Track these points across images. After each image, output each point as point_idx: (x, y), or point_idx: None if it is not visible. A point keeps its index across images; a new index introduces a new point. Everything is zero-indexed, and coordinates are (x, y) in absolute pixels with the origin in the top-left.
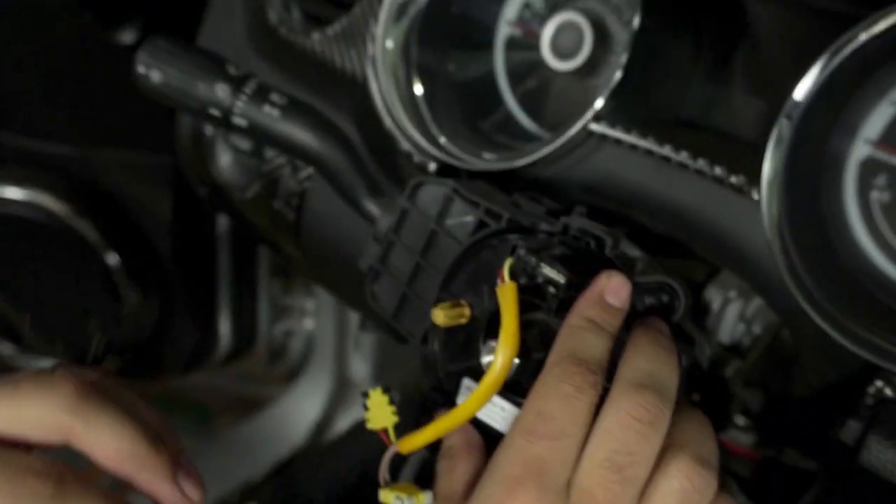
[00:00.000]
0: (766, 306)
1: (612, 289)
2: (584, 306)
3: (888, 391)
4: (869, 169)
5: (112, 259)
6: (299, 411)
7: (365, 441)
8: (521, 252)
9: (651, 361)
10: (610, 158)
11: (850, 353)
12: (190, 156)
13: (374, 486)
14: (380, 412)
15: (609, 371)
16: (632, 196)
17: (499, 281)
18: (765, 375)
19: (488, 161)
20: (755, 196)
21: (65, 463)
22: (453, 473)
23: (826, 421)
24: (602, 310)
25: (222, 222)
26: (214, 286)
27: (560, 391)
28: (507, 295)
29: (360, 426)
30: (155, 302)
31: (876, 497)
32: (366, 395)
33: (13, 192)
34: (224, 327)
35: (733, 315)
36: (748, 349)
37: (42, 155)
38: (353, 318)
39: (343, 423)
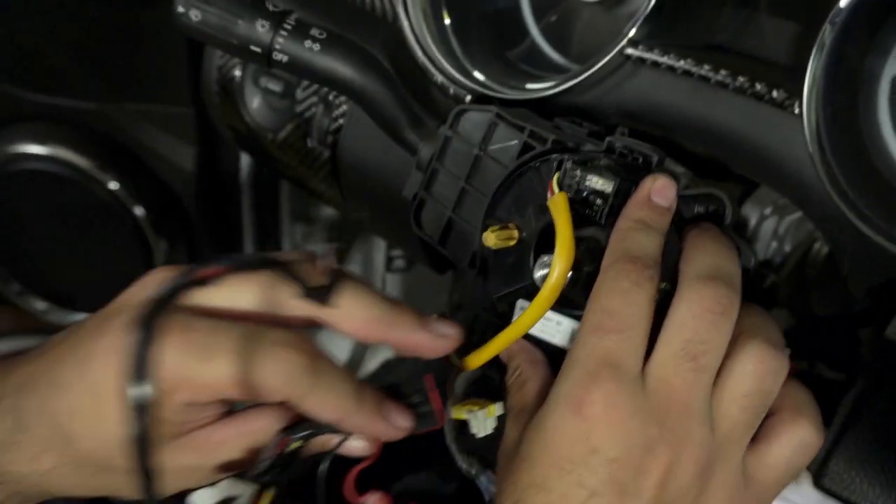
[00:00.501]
0: (799, 223)
1: (659, 189)
2: (633, 208)
3: None
4: None
5: (139, 211)
6: (328, 354)
7: (412, 377)
8: (568, 165)
9: (714, 255)
10: (647, 83)
11: (890, 255)
12: (218, 102)
13: None
14: None
15: (662, 273)
16: (670, 119)
17: (548, 194)
18: (795, 292)
19: (524, 90)
20: (796, 110)
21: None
22: (524, 388)
23: (856, 333)
24: (651, 210)
25: (244, 171)
26: (239, 234)
27: (619, 287)
28: (558, 204)
29: (389, 364)
30: (183, 251)
31: None
32: None
33: (36, 149)
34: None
35: (768, 232)
36: (780, 266)
37: (63, 110)
38: (379, 259)
39: (373, 364)
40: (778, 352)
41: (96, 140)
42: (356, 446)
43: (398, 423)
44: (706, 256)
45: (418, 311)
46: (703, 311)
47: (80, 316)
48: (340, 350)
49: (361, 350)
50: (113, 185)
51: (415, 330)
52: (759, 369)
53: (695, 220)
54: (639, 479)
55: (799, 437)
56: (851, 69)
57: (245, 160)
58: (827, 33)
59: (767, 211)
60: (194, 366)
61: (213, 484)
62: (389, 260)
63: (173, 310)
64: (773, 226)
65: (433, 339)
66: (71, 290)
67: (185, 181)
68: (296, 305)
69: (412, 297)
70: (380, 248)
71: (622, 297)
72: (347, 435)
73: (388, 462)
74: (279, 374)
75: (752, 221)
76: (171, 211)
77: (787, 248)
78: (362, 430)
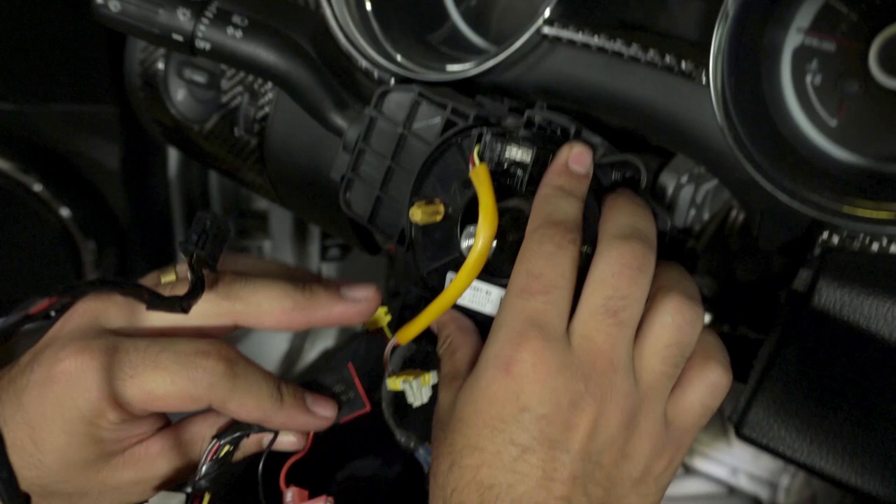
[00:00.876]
0: (715, 191)
1: (576, 157)
2: (552, 176)
3: (834, 239)
4: (802, 55)
5: (64, 212)
6: (267, 348)
7: (335, 366)
8: (488, 138)
9: (630, 215)
10: (563, 60)
11: (796, 214)
12: (142, 96)
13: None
14: (374, 314)
15: (583, 237)
16: (587, 93)
17: (470, 166)
18: (715, 258)
19: (446, 72)
20: (703, 80)
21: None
22: (455, 356)
23: (772, 294)
24: (569, 177)
25: (172, 168)
26: (170, 231)
27: (543, 251)
28: (479, 175)
29: (328, 353)
30: (112, 252)
31: (829, 335)
32: None
33: None
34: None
35: (686, 200)
36: (700, 233)
37: None
38: (314, 250)
39: (312, 353)
40: (694, 303)
41: (16, 142)
42: (288, 441)
43: (321, 413)
44: (622, 217)
45: (329, 283)
46: (621, 268)
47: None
48: (279, 342)
49: (299, 341)
50: (37, 188)
51: (333, 304)
52: (678, 320)
53: (612, 186)
54: (567, 434)
55: (710, 380)
56: (754, 40)
57: (173, 157)
58: (730, 4)
59: (684, 179)
60: (119, 384)
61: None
62: (324, 249)
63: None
64: (690, 194)
65: (354, 306)
66: None
67: (112, 180)
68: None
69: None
70: (314, 237)
71: (546, 259)
72: (276, 432)
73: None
74: (200, 382)
75: (670, 190)
76: (98, 211)
77: (706, 216)
78: (287, 426)
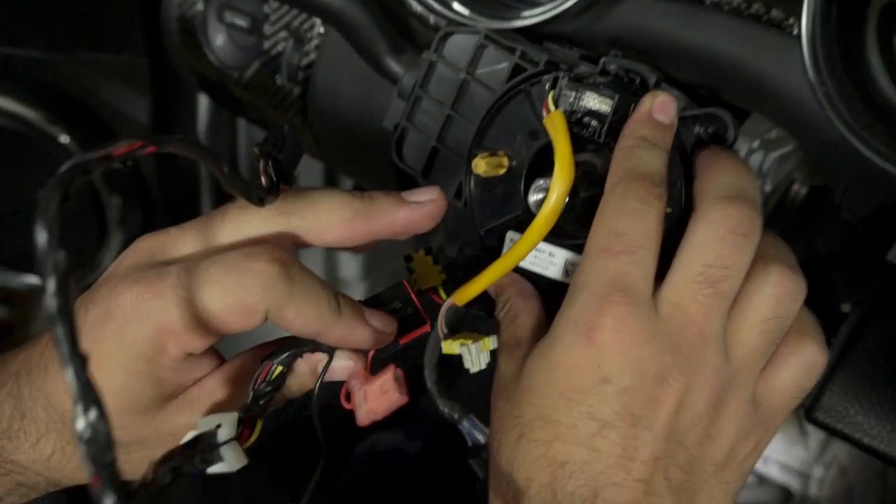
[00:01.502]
0: (781, 160)
1: (660, 106)
2: (635, 126)
3: None
4: (890, 13)
5: None
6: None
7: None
8: (564, 83)
9: (735, 174)
10: (637, 8)
11: (889, 179)
12: (178, 42)
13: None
14: (426, 273)
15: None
16: (659, 46)
17: (543, 113)
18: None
19: (509, 19)
20: (794, 31)
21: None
22: (516, 321)
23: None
24: (653, 127)
25: (202, 123)
26: (196, 188)
27: (627, 206)
28: (555, 122)
29: None
30: (137, 209)
31: None
32: (409, 258)
33: None
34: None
35: (753, 167)
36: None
37: (8, 60)
38: None
39: None
40: (796, 274)
41: (45, 91)
42: (343, 366)
43: (382, 327)
44: (726, 175)
45: (388, 193)
46: (725, 232)
47: (33, 278)
48: None
49: None
50: (63, 139)
51: (396, 209)
52: (779, 292)
53: (697, 143)
54: (651, 410)
55: (805, 357)
56: None
57: (202, 113)
58: None
59: (755, 145)
60: (175, 311)
61: None
62: None
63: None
64: (758, 161)
65: (419, 209)
66: (22, 251)
67: (138, 133)
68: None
69: (379, 251)
70: None
71: (630, 216)
72: (331, 355)
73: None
74: (253, 287)
75: (741, 155)
76: (125, 167)
77: (768, 187)
78: (345, 340)
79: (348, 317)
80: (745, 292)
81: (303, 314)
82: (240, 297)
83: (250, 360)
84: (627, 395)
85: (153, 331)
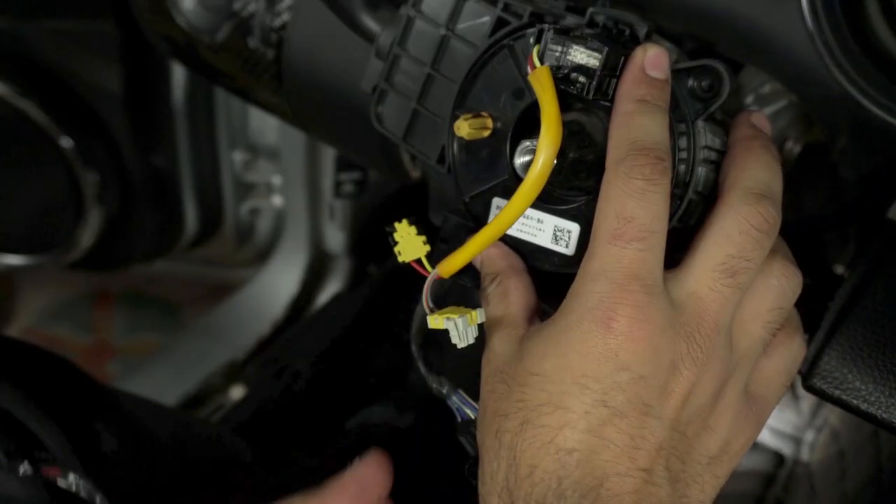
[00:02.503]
0: (774, 116)
1: (652, 60)
2: (629, 86)
3: None
4: None
5: (65, 142)
6: (276, 289)
7: (348, 309)
8: (550, 35)
9: (767, 170)
10: None
11: (890, 133)
12: (146, 4)
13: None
14: (410, 244)
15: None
16: None
17: (528, 69)
18: None
19: None
20: None
21: None
22: (508, 298)
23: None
24: (649, 85)
25: (177, 93)
26: (175, 164)
27: (632, 188)
28: (541, 78)
29: (340, 297)
30: (115, 184)
31: None
32: (392, 229)
33: None
34: (188, 209)
35: None
36: None
37: None
38: (327, 186)
39: (323, 297)
40: (796, 268)
41: (13, 63)
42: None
43: None
44: (761, 171)
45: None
46: (750, 228)
47: (10, 258)
48: (287, 285)
49: (309, 285)
50: (33, 113)
51: None
52: (783, 284)
53: (691, 96)
54: (662, 399)
55: (792, 349)
56: None
57: (178, 80)
58: None
59: (749, 100)
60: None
61: None
62: (338, 185)
63: None
64: None
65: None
66: None
67: (113, 106)
68: None
69: (361, 222)
70: (327, 172)
71: (638, 198)
72: None
73: (343, 398)
74: None
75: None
76: (100, 141)
77: None
78: None
79: None
80: (754, 284)
81: None
82: None
83: None
84: (642, 384)
85: None
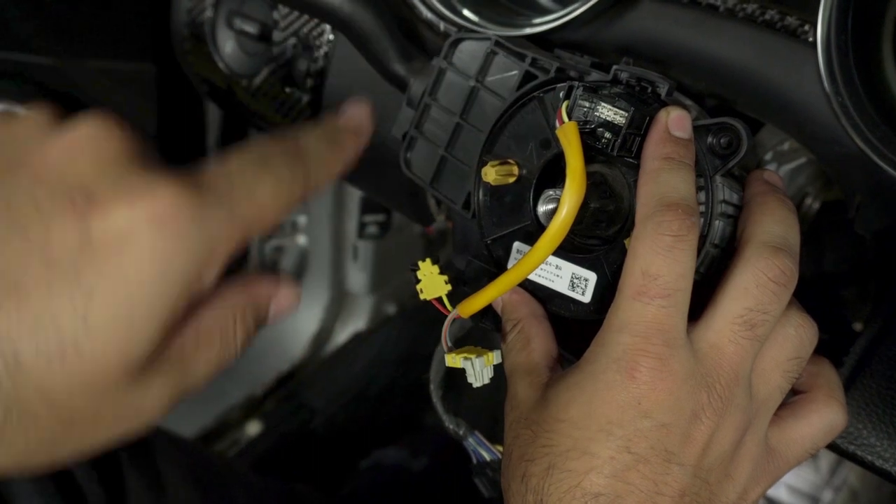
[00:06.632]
0: (793, 174)
1: (675, 121)
2: (656, 146)
3: None
4: None
5: None
6: (297, 326)
7: (366, 349)
8: (579, 93)
9: (783, 223)
10: (647, 15)
11: None
12: (188, 49)
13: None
14: (432, 282)
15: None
16: (671, 54)
17: (557, 123)
18: None
19: (519, 27)
20: (809, 39)
21: None
22: (530, 345)
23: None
24: (674, 144)
25: (212, 133)
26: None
27: (660, 244)
28: (568, 134)
29: (359, 336)
30: None
31: None
32: (415, 267)
33: None
34: None
35: None
36: None
37: (20, 67)
38: (351, 227)
39: (342, 336)
40: (811, 320)
41: (53, 98)
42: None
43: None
44: (776, 224)
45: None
46: (767, 281)
47: None
48: (308, 324)
49: (329, 323)
50: None
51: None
52: (801, 334)
53: (710, 152)
54: (684, 446)
55: (829, 419)
56: (857, 8)
57: (212, 120)
58: None
59: (768, 157)
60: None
61: None
62: (362, 226)
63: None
64: None
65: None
66: None
67: (148, 144)
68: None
69: (385, 265)
70: (352, 213)
71: (665, 256)
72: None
73: (358, 439)
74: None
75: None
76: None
77: None
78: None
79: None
80: (772, 334)
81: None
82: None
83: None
84: (664, 431)
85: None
